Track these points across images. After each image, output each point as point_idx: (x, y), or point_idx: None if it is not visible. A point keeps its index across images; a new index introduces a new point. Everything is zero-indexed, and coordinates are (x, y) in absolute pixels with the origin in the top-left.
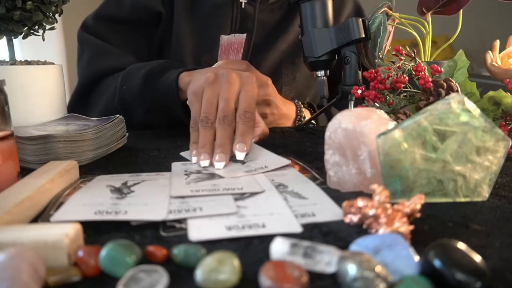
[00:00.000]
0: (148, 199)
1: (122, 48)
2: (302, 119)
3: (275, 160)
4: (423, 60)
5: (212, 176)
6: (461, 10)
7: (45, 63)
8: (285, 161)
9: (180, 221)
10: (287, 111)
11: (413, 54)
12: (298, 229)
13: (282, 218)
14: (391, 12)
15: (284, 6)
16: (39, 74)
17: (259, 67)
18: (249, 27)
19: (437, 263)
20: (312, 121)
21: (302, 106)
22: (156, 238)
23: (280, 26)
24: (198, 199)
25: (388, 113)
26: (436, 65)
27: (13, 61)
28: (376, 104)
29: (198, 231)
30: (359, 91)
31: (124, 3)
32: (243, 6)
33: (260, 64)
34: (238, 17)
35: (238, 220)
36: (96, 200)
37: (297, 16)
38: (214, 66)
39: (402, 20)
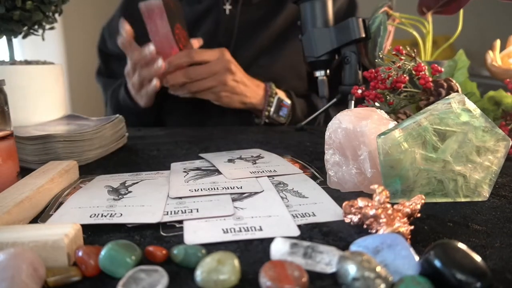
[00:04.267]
0: (145, 200)
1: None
2: (274, 95)
3: (287, 167)
4: (423, 60)
5: (212, 172)
6: (461, 10)
7: (45, 63)
8: (297, 170)
9: (180, 221)
10: (251, 84)
11: (413, 54)
12: (295, 232)
13: (280, 221)
14: (391, 11)
15: (269, 4)
16: (39, 74)
17: (237, 60)
18: (232, 28)
19: (437, 263)
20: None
21: (275, 87)
22: (156, 238)
23: (262, 22)
24: (195, 199)
25: (388, 113)
26: (436, 65)
27: (12, 61)
28: (376, 104)
29: (193, 234)
30: (359, 91)
31: (105, 39)
32: (227, 13)
33: (237, 57)
34: (222, 20)
35: (235, 222)
36: (92, 202)
37: (280, 13)
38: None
39: (403, 19)
